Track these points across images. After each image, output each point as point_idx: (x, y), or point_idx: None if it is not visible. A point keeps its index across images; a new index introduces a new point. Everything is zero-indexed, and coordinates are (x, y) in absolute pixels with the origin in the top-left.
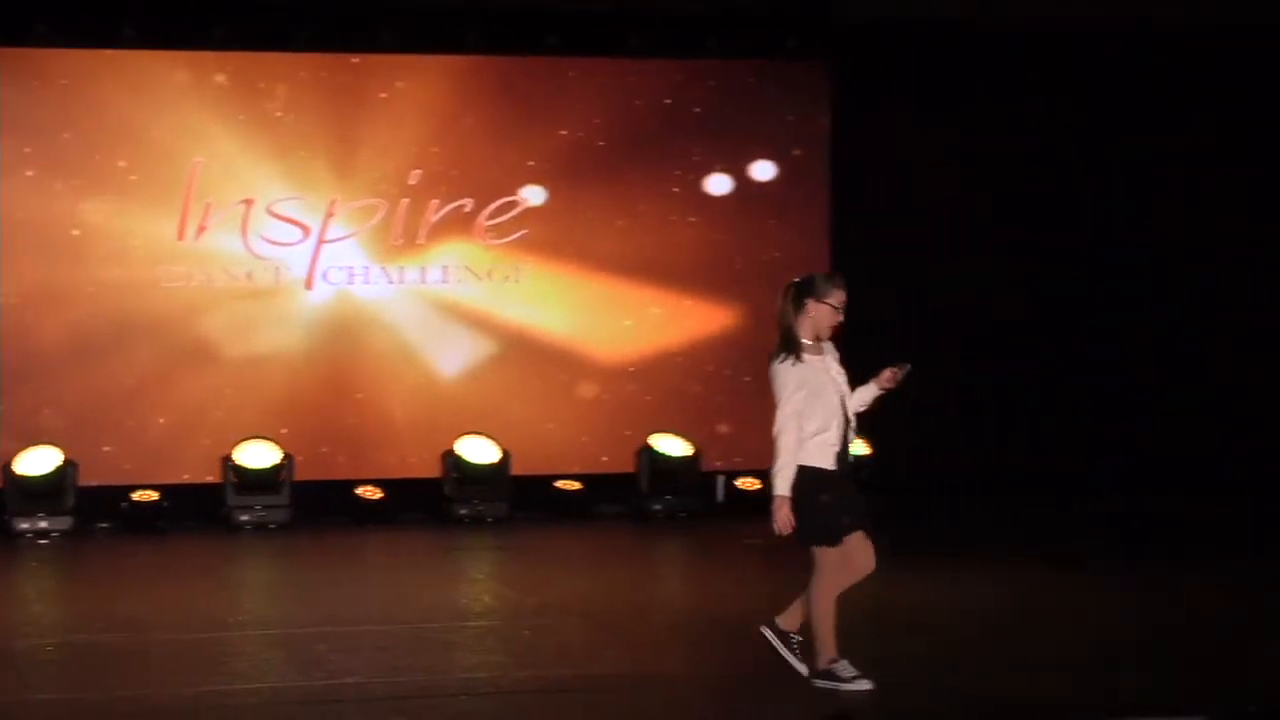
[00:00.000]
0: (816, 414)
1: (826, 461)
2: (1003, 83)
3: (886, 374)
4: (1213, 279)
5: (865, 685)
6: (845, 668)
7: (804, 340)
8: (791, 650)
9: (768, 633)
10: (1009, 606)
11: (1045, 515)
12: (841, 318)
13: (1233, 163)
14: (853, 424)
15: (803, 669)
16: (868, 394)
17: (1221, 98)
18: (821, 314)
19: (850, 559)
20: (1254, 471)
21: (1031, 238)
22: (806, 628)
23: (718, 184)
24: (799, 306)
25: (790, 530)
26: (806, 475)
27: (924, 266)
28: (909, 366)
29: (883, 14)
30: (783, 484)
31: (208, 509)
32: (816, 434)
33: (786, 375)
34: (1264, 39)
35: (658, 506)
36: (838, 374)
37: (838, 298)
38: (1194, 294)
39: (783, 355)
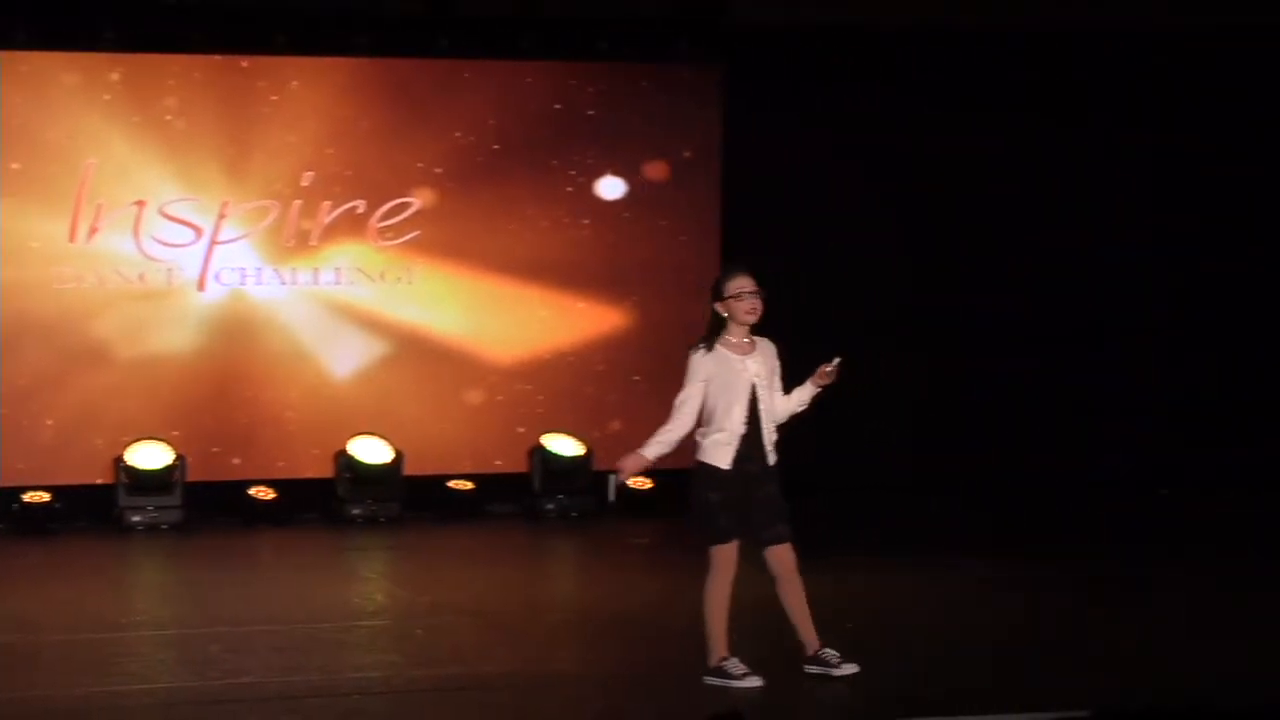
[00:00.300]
0: (718, 409)
1: (721, 460)
2: (895, 86)
3: (820, 371)
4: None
5: (755, 682)
6: (735, 665)
7: (730, 339)
8: (832, 666)
9: (811, 669)
10: (919, 603)
11: (969, 513)
12: (754, 302)
13: (1107, 164)
14: (765, 426)
15: (851, 669)
16: (805, 394)
17: (1102, 99)
18: (732, 308)
19: (767, 566)
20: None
21: (924, 238)
22: (821, 628)
23: (609, 186)
24: (715, 312)
25: (626, 476)
26: (701, 472)
27: (815, 268)
28: (839, 360)
29: (775, 18)
30: (650, 450)
31: (99, 510)
32: (715, 431)
33: (696, 364)
34: (1163, 42)
35: (550, 506)
36: (757, 375)
37: (738, 285)
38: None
39: (698, 345)
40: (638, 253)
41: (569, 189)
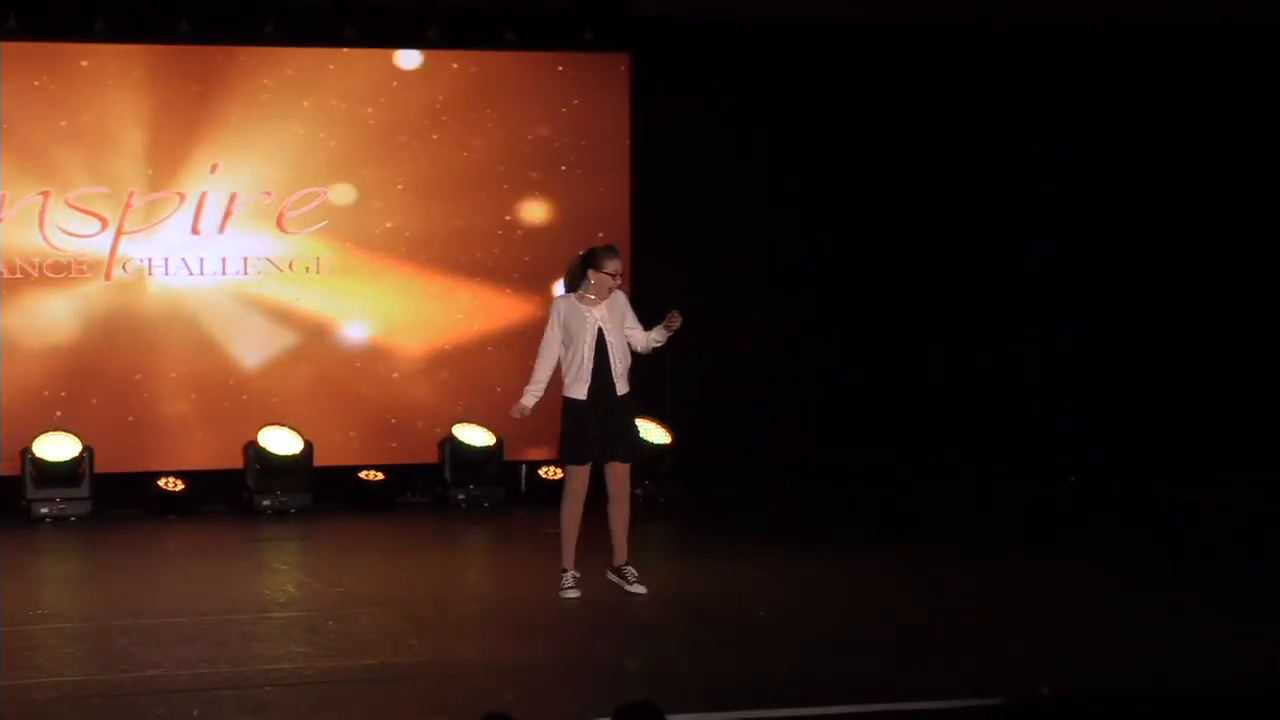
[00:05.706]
0: (572, 350)
1: (578, 393)
2: (796, 77)
3: (670, 317)
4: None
5: (573, 595)
6: (567, 579)
7: (588, 295)
8: (627, 582)
9: (611, 577)
10: (825, 593)
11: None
12: (618, 283)
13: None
14: (613, 361)
15: (640, 590)
16: (661, 335)
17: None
18: (601, 281)
19: (605, 482)
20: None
21: (828, 227)
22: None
23: (518, 176)
24: (583, 274)
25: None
26: (564, 404)
27: (722, 255)
28: (676, 316)
29: (679, 8)
30: (526, 398)
31: (7, 502)
32: (571, 369)
33: (553, 311)
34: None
35: (461, 496)
36: (602, 320)
37: (613, 267)
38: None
39: (561, 295)
40: (548, 242)
41: (476, 180)
